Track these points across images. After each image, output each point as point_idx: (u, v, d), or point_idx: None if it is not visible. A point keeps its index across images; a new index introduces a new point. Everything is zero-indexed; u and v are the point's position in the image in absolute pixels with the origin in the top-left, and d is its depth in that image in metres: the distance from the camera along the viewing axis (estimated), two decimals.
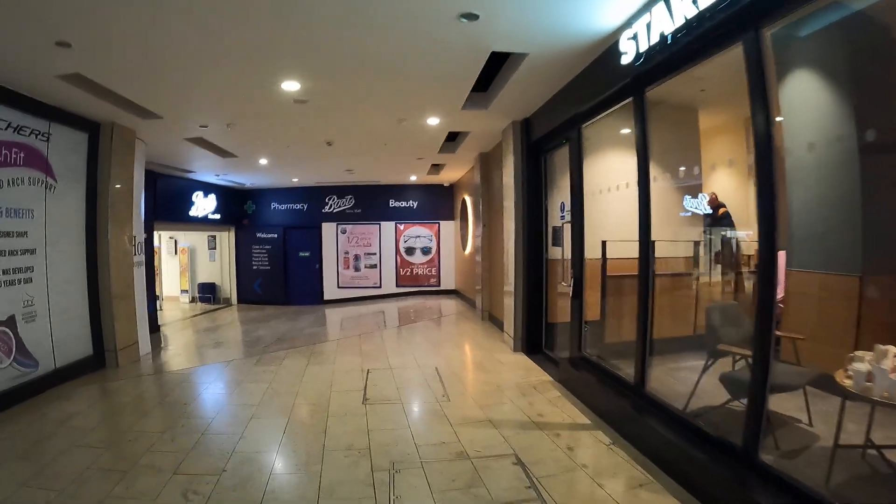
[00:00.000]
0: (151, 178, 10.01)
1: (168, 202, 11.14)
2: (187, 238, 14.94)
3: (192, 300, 14.82)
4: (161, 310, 13.21)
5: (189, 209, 12.11)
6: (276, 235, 14.30)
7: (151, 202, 10.09)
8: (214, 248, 14.81)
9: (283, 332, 9.60)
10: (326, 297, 14.29)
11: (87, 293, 6.54)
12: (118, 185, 6.79)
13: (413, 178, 13.62)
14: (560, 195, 6.64)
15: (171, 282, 15.20)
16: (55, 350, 5.99)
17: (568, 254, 5.93)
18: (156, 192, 10.51)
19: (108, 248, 6.60)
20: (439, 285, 14.86)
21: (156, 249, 13.75)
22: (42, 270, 5.86)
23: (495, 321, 9.38)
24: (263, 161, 9.97)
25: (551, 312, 7.01)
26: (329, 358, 7.20)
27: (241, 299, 14.53)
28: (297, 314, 12.27)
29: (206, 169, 10.93)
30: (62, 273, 6.12)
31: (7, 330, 5.40)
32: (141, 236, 7.53)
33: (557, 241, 6.64)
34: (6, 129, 5.35)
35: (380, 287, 14.66)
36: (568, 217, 6.03)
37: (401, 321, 10.49)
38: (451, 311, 11.90)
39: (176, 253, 15.17)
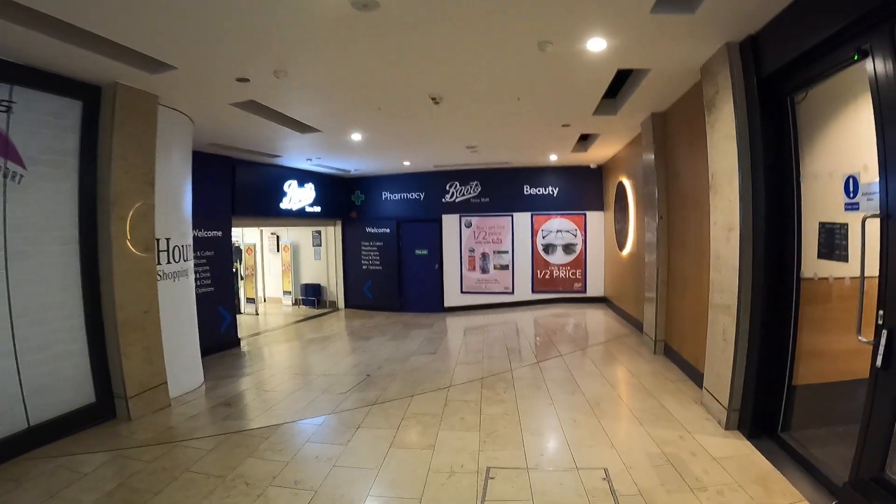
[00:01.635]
0: (227, 165, 8.69)
1: (251, 193, 9.66)
2: (291, 234, 13.42)
3: (296, 303, 13.38)
4: (258, 313, 11.82)
5: (279, 201, 10.63)
6: (388, 230, 12.36)
7: (228, 193, 8.79)
8: (319, 245, 13.21)
9: (383, 359, 7.53)
10: (447, 303, 12.09)
11: (85, 321, 4.84)
12: (130, 170, 5.04)
13: (553, 158, 10.86)
14: (831, 163, 3.60)
15: (274, 282, 13.82)
16: (26, 401, 4.38)
17: (868, 272, 2.98)
18: (234, 182, 9.05)
19: (111, 260, 4.83)
20: (584, 291, 12.03)
21: (248, 248, 12.40)
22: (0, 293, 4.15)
23: (676, 358, 6.53)
24: (356, 136, 7.87)
25: (801, 369, 4.01)
26: (429, 429, 4.75)
27: (350, 303, 12.90)
28: (410, 327, 10.27)
29: (294, 152, 9.21)
30: (37, 296, 4.46)
31: None
32: (183, 238, 5.96)
33: (836, 249, 3.59)
34: None
35: (511, 293, 12.15)
36: (873, 203, 2.99)
37: (539, 352, 7.65)
38: (603, 331, 9.09)
39: (278, 251, 13.73)
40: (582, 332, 9.11)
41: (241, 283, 12.77)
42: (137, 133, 5.05)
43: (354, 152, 9.38)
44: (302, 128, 7.18)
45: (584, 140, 9.21)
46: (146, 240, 5.16)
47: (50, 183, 4.52)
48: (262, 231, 13.92)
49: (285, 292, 13.75)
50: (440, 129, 7.62)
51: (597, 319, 10.18)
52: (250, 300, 12.70)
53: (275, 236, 13.99)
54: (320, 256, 13.32)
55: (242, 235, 13.64)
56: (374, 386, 6.17)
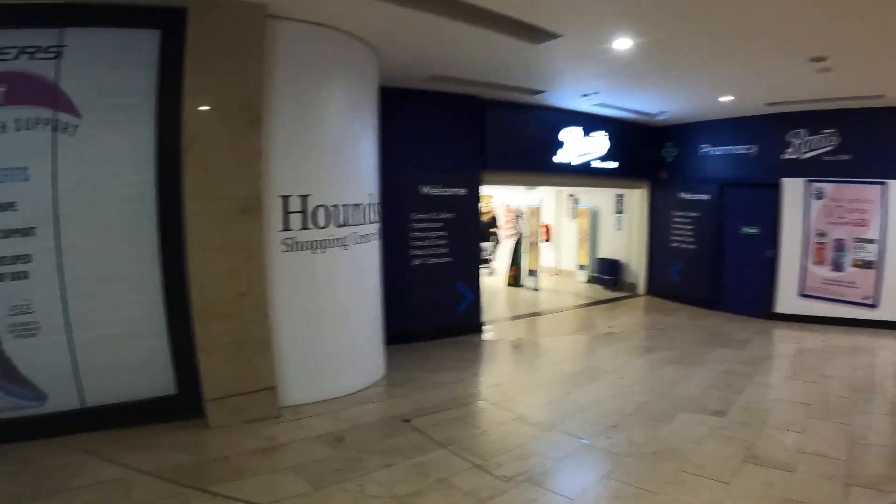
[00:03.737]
0: (471, 107, 7.34)
1: (510, 142, 8.04)
2: (590, 197, 11.64)
3: (589, 280, 11.61)
4: (537, 289, 10.74)
5: (553, 153, 8.75)
6: (707, 197, 9.36)
7: (475, 143, 7.46)
8: (622, 213, 11.00)
9: (635, 404, 4.77)
10: (779, 307, 8.53)
11: (165, 297, 4.24)
12: (217, 105, 4.10)
13: None
14: None
15: (569, 253, 12.33)
16: (82, 380, 4.04)
17: None
18: (484, 129, 7.60)
19: (199, 228, 4.05)
20: None
21: (531, 210, 11.20)
22: (48, 261, 3.91)
23: None
24: (620, 42, 5.15)
25: None
26: None
27: (651, 289, 10.53)
28: (714, 339, 7.29)
29: (556, 82, 7.04)
30: (94, 266, 4.02)
31: None
32: (341, 196, 4.79)
33: None
34: None
35: (874, 305, 7.76)
36: None
37: None
38: None
39: (575, 217, 12.16)
40: None
41: (521, 253, 11.67)
42: (234, 57, 4.09)
43: (640, 81, 6.85)
44: (532, 33, 4.94)
45: None
46: (245, 197, 4.15)
47: (113, 132, 4.00)
48: (559, 191, 12.48)
49: (580, 266, 12.08)
50: (763, 24, 4.58)
51: None
52: (532, 273, 11.51)
53: (573, 198, 12.37)
54: (622, 227, 11.16)
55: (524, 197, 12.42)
56: (583, 465, 3.87)
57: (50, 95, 3.86)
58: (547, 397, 4.95)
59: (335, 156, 4.76)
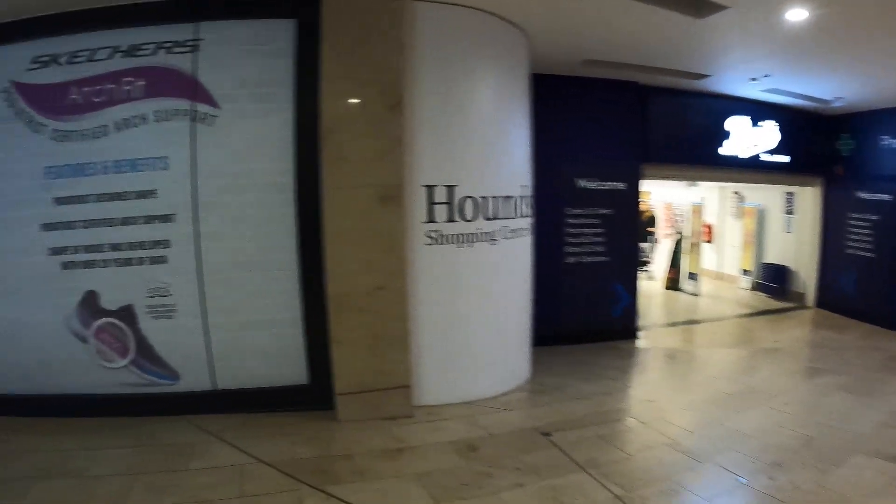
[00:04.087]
0: (631, 94, 6.70)
1: (673, 132, 7.24)
2: (758, 195, 10.34)
3: (753, 287, 10.32)
4: (696, 294, 9.81)
5: (718, 144, 7.75)
6: (888, 197, 7.83)
7: (636, 133, 6.80)
8: (791, 214, 9.63)
9: (803, 438, 3.89)
10: None
11: (301, 287, 4.10)
12: (356, 92, 3.94)
13: None
14: None
15: (732, 255, 11.17)
16: (214, 364, 4.13)
17: None
18: (646, 117, 6.89)
19: (322, 215, 3.93)
20: None
21: (694, 208, 10.25)
22: (186, 248, 4.03)
23: None
24: (795, 13, 4.37)
25: None
26: None
27: (822, 300, 8.98)
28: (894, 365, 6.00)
29: (722, 65, 6.23)
30: (231, 252, 4.07)
31: (119, 323, 4.08)
32: (492, 188, 4.42)
33: None
34: (106, 58, 4.03)
35: None
36: None
37: None
38: None
39: (740, 217, 10.89)
40: None
41: (681, 254, 10.65)
42: (372, 42, 3.92)
43: (814, 61, 5.82)
44: (696, 6, 4.35)
45: None
46: (385, 187, 3.94)
47: (250, 121, 4.02)
48: (719, 188, 11.23)
49: (743, 271, 10.75)
50: None
51: None
52: (692, 276, 10.42)
53: (737, 195, 11.06)
54: (792, 229, 9.74)
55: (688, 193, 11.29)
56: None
57: (188, 87, 3.98)
58: (702, 420, 4.21)
59: (484, 144, 4.41)
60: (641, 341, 6.72)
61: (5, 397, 4.38)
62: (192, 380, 4.12)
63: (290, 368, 4.14)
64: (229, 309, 4.06)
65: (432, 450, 3.61)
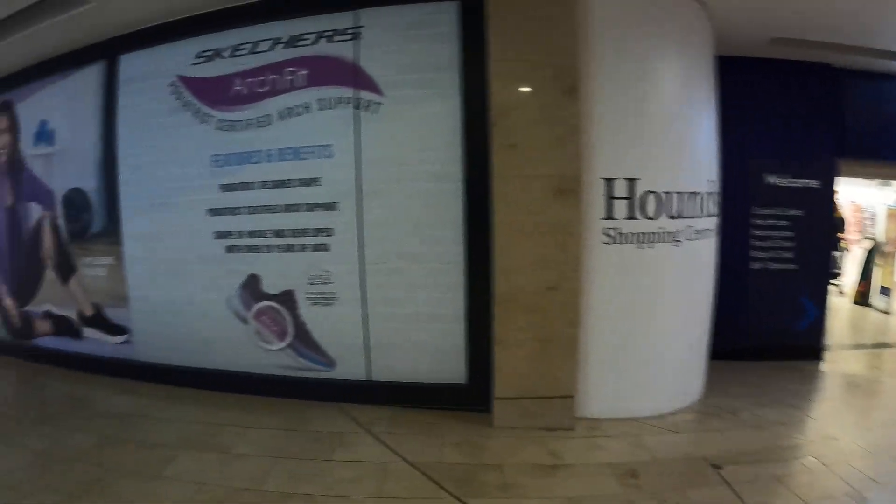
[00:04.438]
0: (823, 78, 5.85)
1: (874, 122, 6.17)
2: None
3: None
4: (889, 312, 8.60)
5: None
6: None
7: (829, 122, 5.93)
8: None
9: None
10: None
11: (466, 281, 3.94)
12: (526, 74, 3.69)
13: None
14: None
15: None
16: (371, 354, 4.16)
17: None
18: (841, 104, 5.95)
19: (492, 206, 3.70)
20: None
21: (891, 211, 9.03)
22: (349, 236, 4.08)
23: None
24: None
25: None
26: None
27: None
28: None
29: None
30: (394, 243, 4.04)
31: (280, 308, 4.24)
32: (676, 182, 3.98)
33: None
34: (268, 49, 4.20)
35: None
36: None
37: None
38: None
39: None
40: None
41: (874, 265, 9.10)
42: (542, 21, 3.63)
43: None
44: None
45: None
46: (560, 177, 3.62)
47: (415, 107, 3.95)
48: None
49: None
50: None
51: None
52: (884, 290, 9.03)
53: None
54: None
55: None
56: None
57: (350, 75, 3.99)
58: (891, 469, 3.72)
59: (667, 133, 3.98)
60: (826, 364, 6.09)
61: (172, 368, 4.74)
62: (348, 368, 4.18)
63: (448, 366, 4.02)
64: (390, 300, 4.05)
65: (589, 471, 3.28)
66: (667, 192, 3.89)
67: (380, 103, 3.94)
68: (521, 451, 3.51)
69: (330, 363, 4.20)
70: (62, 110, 5.34)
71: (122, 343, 5.08)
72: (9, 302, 6.23)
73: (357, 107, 3.96)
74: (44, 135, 5.50)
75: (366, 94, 3.95)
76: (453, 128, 3.86)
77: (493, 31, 3.67)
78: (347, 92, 4.00)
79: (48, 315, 5.76)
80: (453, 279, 3.94)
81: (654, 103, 3.95)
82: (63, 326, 5.62)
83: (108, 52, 4.91)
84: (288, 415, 3.98)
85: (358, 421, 3.87)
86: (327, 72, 4.04)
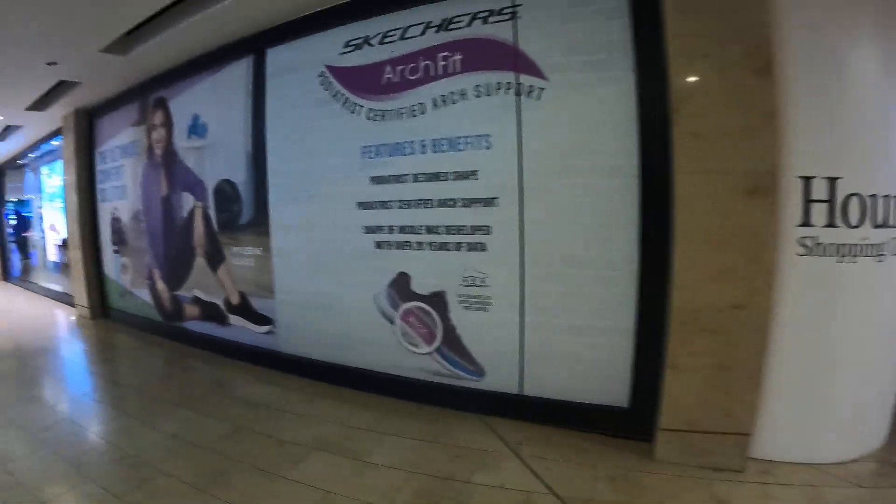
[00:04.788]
0: None
1: None
2: None
3: None
4: None
5: None
6: None
7: None
8: None
9: None
10: None
11: (637, 293, 3.40)
12: (711, 53, 3.10)
13: None
14: None
15: None
16: (524, 366, 3.78)
17: None
18: None
19: (690, 212, 3.15)
20: None
21: None
22: (508, 235, 3.71)
23: None
24: None
25: None
26: None
27: None
28: None
29: None
30: (558, 244, 3.58)
31: (429, 309, 4.00)
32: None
33: None
34: (419, 34, 3.96)
35: None
36: None
37: None
38: None
39: None
40: None
41: None
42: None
43: None
44: None
45: None
46: (752, 174, 3.05)
47: (584, 93, 3.48)
48: None
49: None
50: None
51: None
52: None
53: None
54: None
55: None
56: None
57: (510, 58, 3.62)
58: None
59: (872, 125, 3.28)
60: None
61: (313, 362, 4.73)
62: (498, 379, 3.85)
63: (610, 386, 3.51)
64: (550, 308, 3.65)
65: None
66: (871, 195, 3.16)
67: (543, 88, 3.54)
68: (682, 492, 3.00)
69: (479, 372, 3.91)
70: (213, 105, 5.48)
71: (265, 333, 5.13)
72: (161, 286, 6.57)
73: (518, 93, 3.60)
74: (196, 128, 5.68)
75: (527, 79, 3.57)
76: (626, 115, 3.35)
77: (669, 3, 3.14)
78: (507, 77, 3.64)
79: (196, 300, 5.98)
80: (623, 288, 3.43)
81: (860, 88, 3.22)
82: (210, 312, 5.81)
83: (255, 46, 4.95)
84: (429, 424, 3.75)
85: (504, 439, 3.53)
86: (484, 55, 3.71)
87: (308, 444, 3.48)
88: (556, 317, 3.61)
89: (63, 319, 8.58)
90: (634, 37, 3.35)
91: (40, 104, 7.40)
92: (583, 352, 3.58)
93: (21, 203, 12.62)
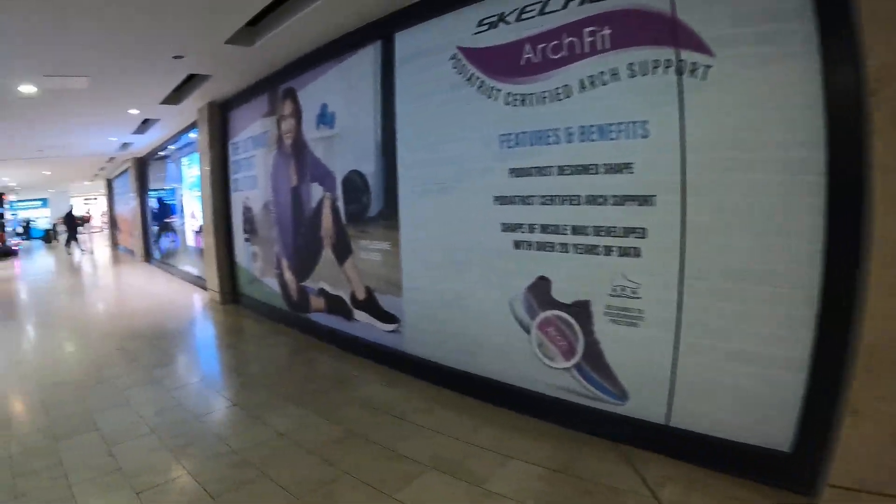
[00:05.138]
0: None
1: None
2: None
3: None
4: None
5: None
6: None
7: None
8: None
9: None
10: None
11: (817, 319, 2.73)
12: None
13: None
14: None
15: None
16: (674, 393, 3.23)
17: None
18: None
19: (890, 220, 2.46)
20: None
21: None
22: (667, 240, 3.16)
23: None
24: None
25: None
26: None
27: None
28: None
29: None
30: (724, 253, 2.98)
31: (570, 320, 3.57)
32: None
33: None
34: (560, 8, 3.51)
35: None
36: None
37: None
38: None
39: None
40: None
41: None
42: None
43: None
44: None
45: None
46: None
47: (759, 71, 2.83)
48: None
49: None
50: None
51: None
52: None
53: None
54: None
55: None
56: None
57: (668, 31, 3.05)
58: None
59: None
60: None
61: (438, 366, 4.47)
62: (642, 405, 3.34)
63: (770, 426, 2.91)
64: (710, 328, 3.06)
65: None
66: None
67: (709, 66, 2.94)
68: None
69: (621, 395, 3.42)
70: (341, 94, 5.38)
71: (390, 331, 4.97)
72: (289, 276, 6.65)
73: (679, 71, 3.03)
74: (325, 118, 5.62)
75: (690, 55, 2.99)
76: (810, 99, 2.68)
77: None
78: (665, 53, 3.08)
79: (322, 292, 5.97)
80: (799, 311, 2.77)
81: None
82: (335, 305, 5.77)
83: (382, 31, 4.75)
84: (558, 449, 3.33)
85: (644, 476, 3.02)
86: (637, 29, 3.17)
87: (424, 461, 3.23)
88: (718, 339, 3.02)
89: (195, 302, 9.12)
90: (816, 5, 2.64)
91: (173, 98, 7.77)
92: (745, 382, 2.96)
93: (164, 192, 13.60)
